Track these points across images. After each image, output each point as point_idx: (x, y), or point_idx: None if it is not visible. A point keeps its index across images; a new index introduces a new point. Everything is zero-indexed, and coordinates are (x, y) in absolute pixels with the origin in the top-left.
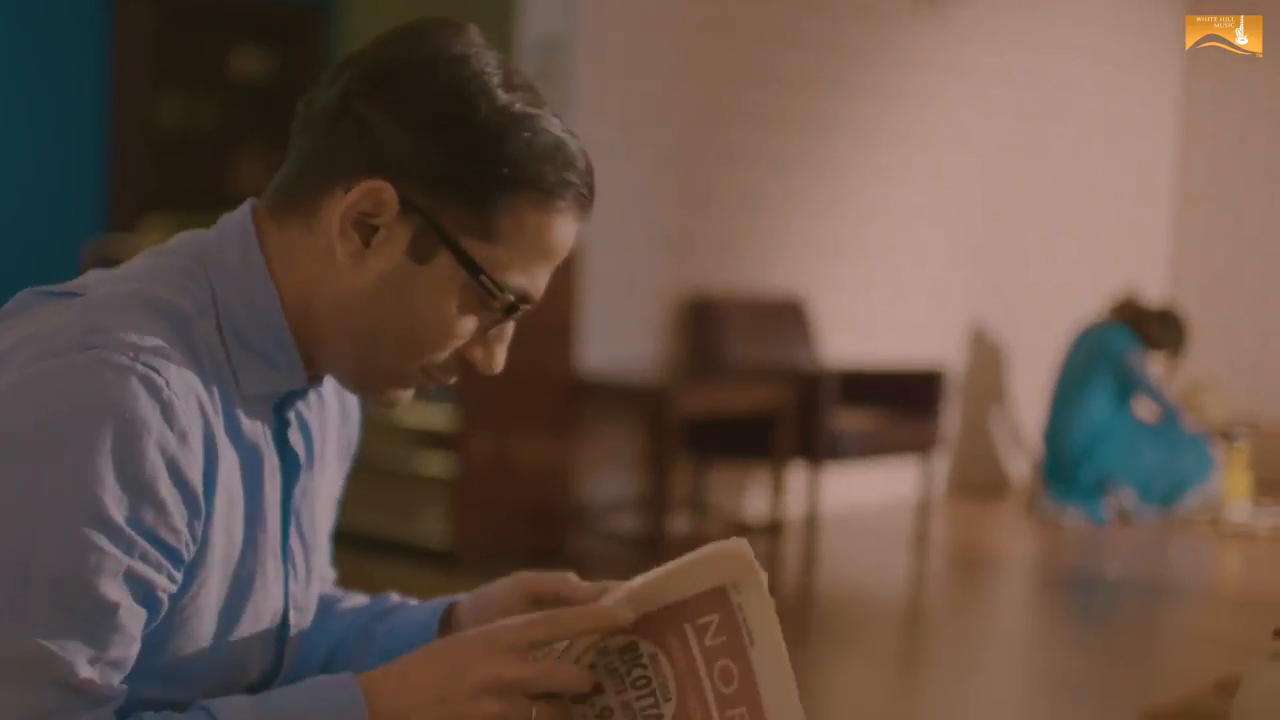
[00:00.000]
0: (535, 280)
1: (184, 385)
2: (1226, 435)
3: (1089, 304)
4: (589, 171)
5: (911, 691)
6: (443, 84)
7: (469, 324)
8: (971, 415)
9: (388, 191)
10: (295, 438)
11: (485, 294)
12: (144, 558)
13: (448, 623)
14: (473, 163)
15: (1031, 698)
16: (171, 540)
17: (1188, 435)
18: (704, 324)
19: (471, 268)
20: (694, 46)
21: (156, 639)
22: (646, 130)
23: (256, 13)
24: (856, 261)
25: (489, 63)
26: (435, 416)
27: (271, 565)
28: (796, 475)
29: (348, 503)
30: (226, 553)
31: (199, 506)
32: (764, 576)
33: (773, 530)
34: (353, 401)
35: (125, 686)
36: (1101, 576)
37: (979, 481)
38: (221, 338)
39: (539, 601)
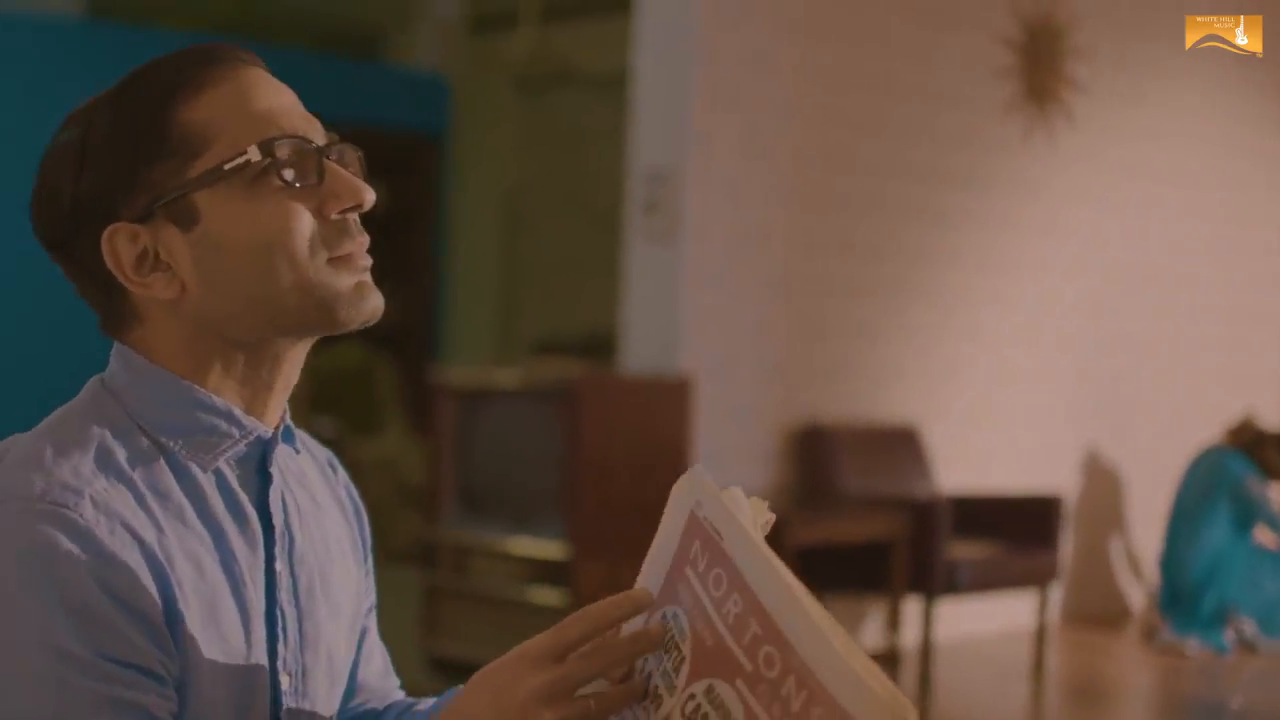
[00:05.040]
0: (271, 127)
1: (105, 513)
2: None
3: (1205, 429)
4: (193, 48)
5: None
6: (54, 149)
7: (291, 206)
8: (1087, 543)
9: (118, 230)
10: (277, 498)
11: (243, 171)
12: (121, 682)
13: None
14: (120, 139)
15: None
16: (139, 660)
17: None
18: (816, 453)
19: (214, 175)
20: (802, 176)
21: None
22: (756, 259)
23: (367, 143)
24: (969, 388)
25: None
26: (546, 547)
27: (258, 633)
28: (911, 605)
29: (456, 633)
30: (226, 657)
31: (157, 627)
32: (759, 506)
33: (888, 661)
34: (356, 504)
35: None
36: (1224, 708)
37: (1096, 610)
38: (153, 441)
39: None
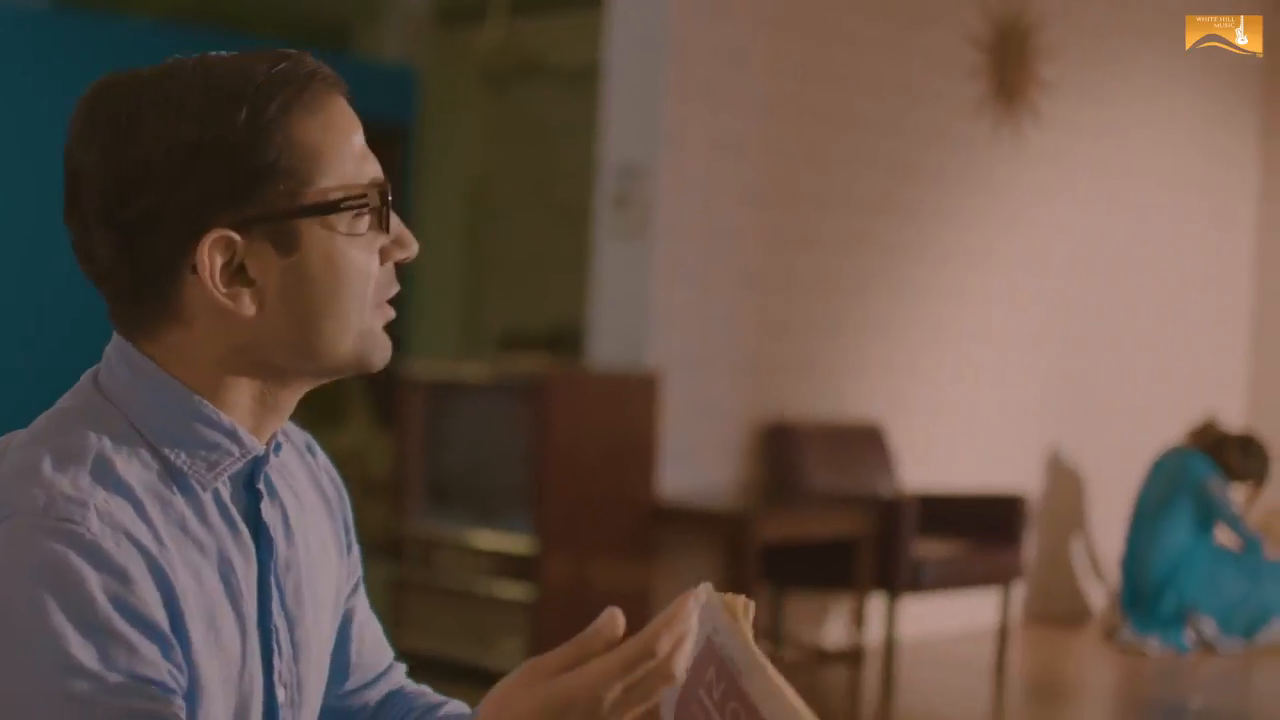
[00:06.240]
0: (367, 166)
1: (110, 525)
2: None
3: (1167, 429)
4: (296, 58)
5: None
6: (148, 134)
7: (371, 251)
8: (1049, 542)
9: (219, 236)
10: (269, 511)
11: (357, 214)
12: (138, 695)
13: None
14: (232, 149)
15: None
16: (152, 673)
17: (1269, 564)
18: (782, 449)
19: (330, 207)
20: (773, 172)
21: None
22: (725, 255)
23: None
24: (933, 385)
25: (152, 80)
26: (513, 541)
27: (256, 644)
28: (875, 602)
29: (423, 627)
30: (224, 668)
31: (165, 638)
32: (739, 606)
33: (852, 659)
34: (337, 486)
35: None
36: (1184, 707)
37: (1057, 609)
38: (154, 450)
39: None
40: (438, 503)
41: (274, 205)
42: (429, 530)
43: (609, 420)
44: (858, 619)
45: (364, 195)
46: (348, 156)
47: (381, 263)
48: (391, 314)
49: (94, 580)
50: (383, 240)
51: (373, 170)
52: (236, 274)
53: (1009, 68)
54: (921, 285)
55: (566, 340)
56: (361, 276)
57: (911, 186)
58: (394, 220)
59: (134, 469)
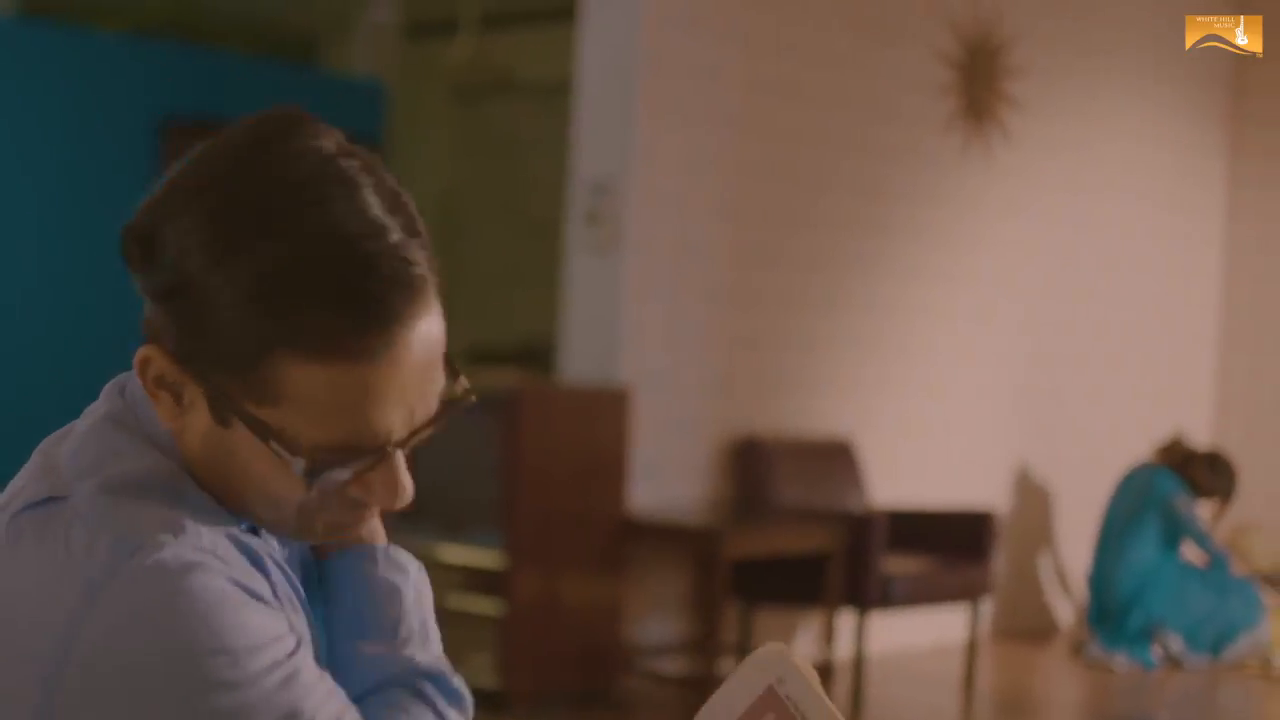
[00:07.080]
0: (347, 432)
1: (219, 548)
2: (1274, 580)
3: (1134, 446)
4: (376, 276)
5: None
6: (177, 246)
7: (302, 490)
8: (1017, 558)
9: (156, 359)
10: (294, 559)
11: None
12: (319, 675)
13: None
14: (216, 327)
15: None
16: (313, 661)
17: (1236, 580)
18: (752, 465)
19: (260, 432)
20: (743, 188)
21: None
22: (696, 271)
23: None
24: (902, 401)
25: (226, 202)
26: (482, 556)
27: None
28: (844, 618)
29: None
30: None
31: (300, 634)
32: (806, 668)
33: (822, 674)
34: None
35: None
36: None
37: (1025, 625)
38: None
39: None
40: (407, 517)
41: (220, 385)
42: (398, 544)
43: (579, 435)
44: (827, 634)
45: (289, 458)
46: (329, 418)
47: (344, 493)
48: (336, 540)
49: (238, 590)
50: (335, 482)
51: (373, 428)
52: (174, 391)
53: (978, 86)
54: (891, 302)
55: (537, 355)
56: (283, 502)
57: (881, 203)
58: (382, 467)
59: (192, 492)
